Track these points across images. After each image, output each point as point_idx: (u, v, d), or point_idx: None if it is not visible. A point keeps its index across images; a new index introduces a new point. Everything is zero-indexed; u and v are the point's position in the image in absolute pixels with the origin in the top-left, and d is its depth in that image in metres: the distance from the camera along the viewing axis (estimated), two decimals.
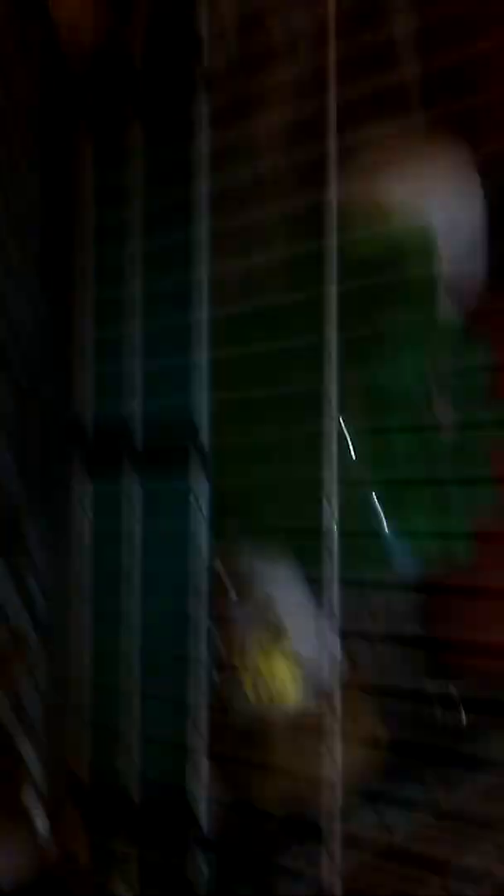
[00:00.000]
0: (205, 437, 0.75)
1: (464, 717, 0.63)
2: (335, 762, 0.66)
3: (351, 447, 0.90)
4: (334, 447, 0.68)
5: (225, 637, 0.82)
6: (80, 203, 0.85)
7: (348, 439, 0.90)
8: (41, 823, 0.84)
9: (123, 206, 0.81)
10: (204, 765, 0.74)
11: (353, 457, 0.90)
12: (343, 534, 0.69)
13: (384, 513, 0.89)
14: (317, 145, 0.70)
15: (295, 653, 0.75)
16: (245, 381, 0.77)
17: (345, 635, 0.68)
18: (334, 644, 0.67)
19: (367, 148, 1.10)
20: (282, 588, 0.82)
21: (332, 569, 0.67)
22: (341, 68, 0.70)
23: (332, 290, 0.67)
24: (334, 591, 0.68)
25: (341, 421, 0.69)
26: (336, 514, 0.67)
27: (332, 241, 0.67)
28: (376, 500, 0.89)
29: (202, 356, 0.75)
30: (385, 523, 0.89)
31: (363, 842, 0.80)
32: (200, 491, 0.76)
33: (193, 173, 0.76)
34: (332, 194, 0.68)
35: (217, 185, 0.77)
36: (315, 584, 0.84)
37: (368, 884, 0.71)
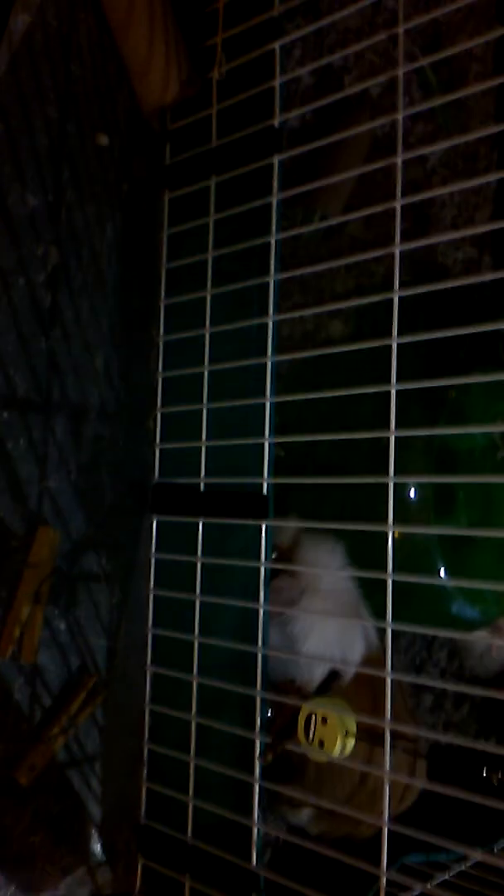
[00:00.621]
0: (266, 479, 0.77)
1: None
2: (385, 805, 0.66)
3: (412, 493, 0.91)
4: (391, 500, 0.68)
5: (282, 680, 0.84)
6: (157, 251, 0.88)
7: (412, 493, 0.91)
8: (99, 854, 0.86)
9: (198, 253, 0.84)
10: (259, 803, 0.75)
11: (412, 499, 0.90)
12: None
13: (445, 566, 0.89)
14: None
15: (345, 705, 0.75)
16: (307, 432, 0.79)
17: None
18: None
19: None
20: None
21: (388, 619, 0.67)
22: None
23: (394, 346, 0.67)
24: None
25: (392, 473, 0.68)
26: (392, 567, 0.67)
27: (395, 296, 0.68)
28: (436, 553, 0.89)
29: (267, 400, 0.77)
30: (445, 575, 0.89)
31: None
32: (263, 538, 0.77)
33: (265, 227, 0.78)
34: (397, 255, 0.69)
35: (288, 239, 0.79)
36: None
37: None
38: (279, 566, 0.82)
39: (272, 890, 0.74)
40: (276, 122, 0.78)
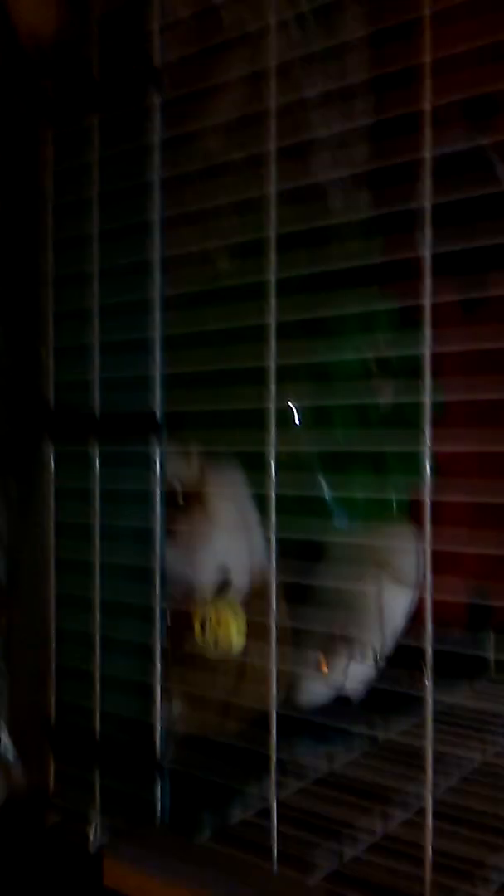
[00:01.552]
0: (158, 406, 0.82)
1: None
2: (273, 696, 0.74)
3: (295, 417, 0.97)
4: (273, 418, 0.74)
5: (178, 585, 0.90)
6: (42, 186, 0.90)
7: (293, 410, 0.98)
8: (11, 755, 0.92)
9: (83, 190, 0.86)
10: (159, 701, 0.82)
11: (296, 424, 0.97)
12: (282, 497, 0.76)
13: (323, 479, 0.96)
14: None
15: (236, 601, 0.82)
16: (196, 356, 0.84)
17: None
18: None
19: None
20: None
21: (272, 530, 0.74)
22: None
23: (273, 270, 0.73)
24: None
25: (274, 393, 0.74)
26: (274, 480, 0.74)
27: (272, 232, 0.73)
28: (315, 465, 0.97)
29: (155, 331, 0.81)
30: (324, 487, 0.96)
31: (305, 770, 0.89)
32: (156, 455, 0.82)
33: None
34: (273, 182, 0.73)
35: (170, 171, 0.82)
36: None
37: (309, 809, 0.80)
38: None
39: (175, 779, 0.82)
40: (156, 61, 0.81)
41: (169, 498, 0.90)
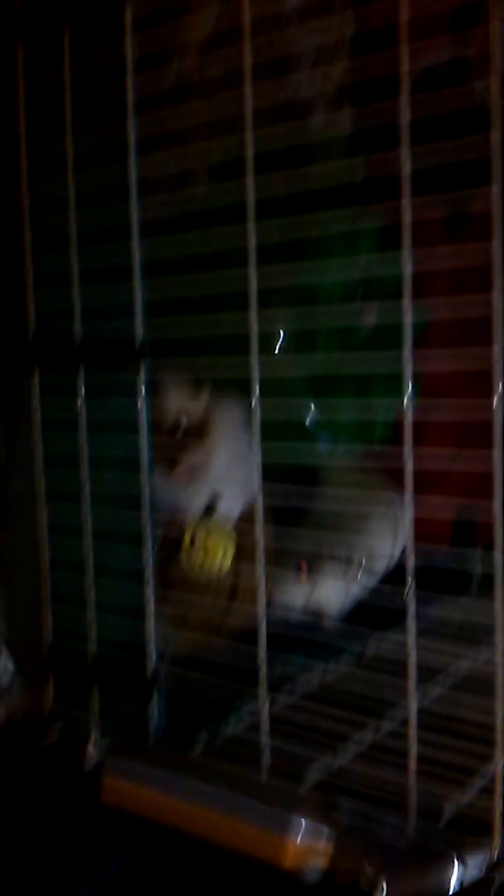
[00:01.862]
0: (140, 331, 0.81)
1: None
2: (262, 610, 0.76)
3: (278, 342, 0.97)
4: (255, 340, 0.74)
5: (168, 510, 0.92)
6: (13, 105, 0.88)
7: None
8: (10, 677, 0.94)
9: (56, 108, 0.84)
10: (152, 622, 0.83)
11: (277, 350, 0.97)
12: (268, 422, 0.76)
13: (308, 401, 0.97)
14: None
15: (226, 523, 0.84)
16: (178, 282, 0.83)
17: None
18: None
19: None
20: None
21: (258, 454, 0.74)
22: None
23: (251, 190, 0.72)
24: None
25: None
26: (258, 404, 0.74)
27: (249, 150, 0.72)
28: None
29: (135, 255, 0.80)
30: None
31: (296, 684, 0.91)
32: (141, 381, 0.82)
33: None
34: (249, 98, 0.72)
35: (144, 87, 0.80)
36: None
37: (299, 722, 0.82)
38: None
39: (169, 697, 0.84)
40: None
41: (171, 428, 0.91)
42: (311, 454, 1.02)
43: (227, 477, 0.91)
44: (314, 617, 1.02)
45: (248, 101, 0.72)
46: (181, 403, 0.92)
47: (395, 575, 1.03)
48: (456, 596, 1.21)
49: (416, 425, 0.68)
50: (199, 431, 0.93)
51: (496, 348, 0.63)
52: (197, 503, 0.90)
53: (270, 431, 0.77)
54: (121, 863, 0.75)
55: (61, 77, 0.83)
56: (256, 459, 0.75)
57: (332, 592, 1.02)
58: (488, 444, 0.65)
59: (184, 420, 0.92)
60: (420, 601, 0.69)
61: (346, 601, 1.05)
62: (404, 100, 0.66)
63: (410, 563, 0.68)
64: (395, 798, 0.71)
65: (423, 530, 0.70)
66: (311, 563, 0.99)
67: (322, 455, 1.04)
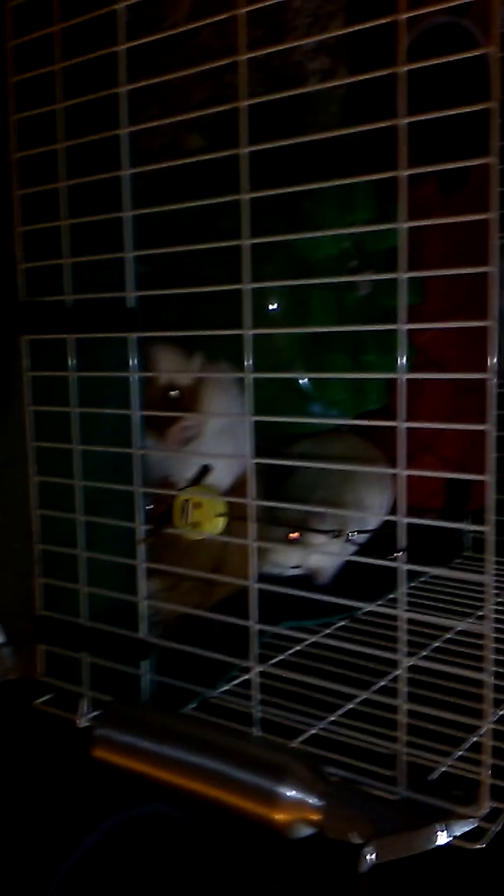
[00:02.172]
0: (132, 296, 0.81)
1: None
2: (254, 575, 0.76)
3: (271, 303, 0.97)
4: (249, 300, 0.73)
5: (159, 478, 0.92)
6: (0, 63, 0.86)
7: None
8: (2, 639, 0.95)
9: (45, 67, 0.83)
10: (144, 585, 0.84)
11: (272, 308, 0.96)
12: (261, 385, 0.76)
13: (301, 367, 0.96)
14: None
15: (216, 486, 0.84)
16: (167, 242, 0.82)
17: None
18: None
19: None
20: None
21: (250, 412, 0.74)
22: None
23: (243, 152, 0.71)
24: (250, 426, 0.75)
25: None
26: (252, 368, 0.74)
27: (242, 104, 0.71)
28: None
29: (125, 215, 0.80)
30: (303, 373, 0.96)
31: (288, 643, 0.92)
32: (132, 346, 0.82)
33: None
34: (242, 54, 0.71)
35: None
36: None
37: (291, 679, 0.83)
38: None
39: (161, 655, 0.85)
40: None
41: (163, 394, 0.90)
42: (304, 420, 1.02)
43: (217, 448, 0.91)
44: (308, 575, 1.03)
45: (242, 58, 0.71)
46: (172, 370, 0.92)
47: (386, 538, 1.04)
48: (446, 561, 1.22)
49: (410, 393, 0.68)
50: (190, 398, 0.92)
51: (490, 309, 0.62)
52: (187, 474, 0.90)
53: (264, 399, 0.77)
54: (114, 822, 0.77)
55: (50, 36, 0.82)
56: (249, 427, 0.75)
57: (323, 556, 1.03)
58: (481, 412, 0.64)
59: (175, 387, 0.92)
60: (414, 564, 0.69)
61: (337, 562, 1.06)
62: (399, 53, 0.64)
63: (402, 526, 0.68)
64: (386, 757, 0.72)
65: (412, 499, 0.70)
66: (303, 526, 0.99)
67: (315, 421, 1.04)
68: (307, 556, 1.01)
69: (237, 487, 0.90)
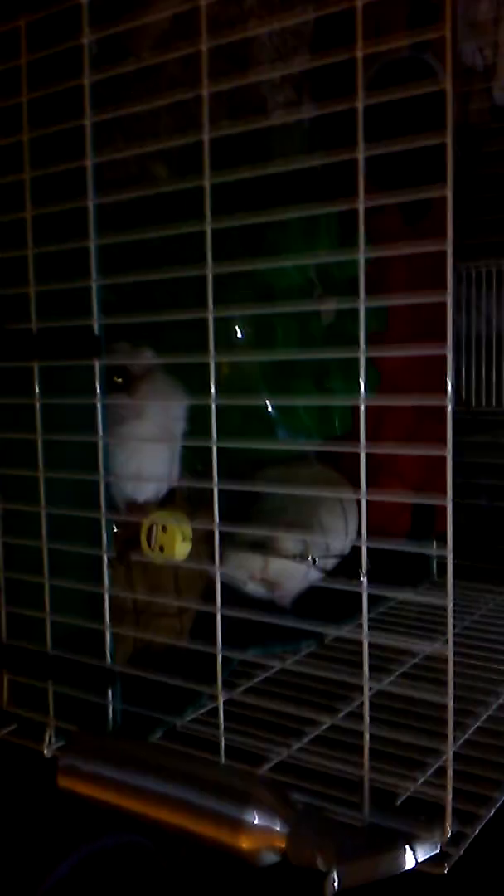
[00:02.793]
0: (96, 319, 0.81)
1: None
2: (218, 600, 0.76)
3: (238, 331, 0.98)
4: (212, 328, 0.74)
5: (125, 501, 0.92)
6: None
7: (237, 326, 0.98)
8: None
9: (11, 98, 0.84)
10: (108, 609, 0.84)
11: (239, 337, 0.97)
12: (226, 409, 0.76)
13: (267, 393, 0.97)
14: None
15: (183, 511, 0.84)
16: (133, 269, 0.83)
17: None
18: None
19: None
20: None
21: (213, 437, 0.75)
22: None
23: (207, 184, 0.72)
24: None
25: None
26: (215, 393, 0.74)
27: (205, 136, 0.72)
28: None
29: (91, 244, 0.80)
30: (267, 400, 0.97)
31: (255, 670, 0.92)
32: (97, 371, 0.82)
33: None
34: (205, 89, 0.72)
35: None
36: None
37: (257, 706, 0.83)
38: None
39: (128, 684, 0.85)
40: None
41: (110, 375, 0.91)
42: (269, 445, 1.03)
43: (153, 455, 0.92)
44: (269, 589, 1.03)
45: (205, 93, 0.72)
46: (125, 357, 0.93)
47: (351, 562, 1.04)
48: (412, 587, 1.23)
49: (373, 418, 0.69)
50: (134, 384, 0.93)
51: (448, 342, 0.64)
52: (151, 490, 0.90)
53: (230, 424, 0.78)
54: (82, 854, 0.76)
55: (17, 68, 0.83)
56: (213, 451, 0.75)
57: (285, 567, 1.02)
58: (442, 435, 0.65)
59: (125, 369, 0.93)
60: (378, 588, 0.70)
61: (300, 583, 1.05)
62: (358, 83, 0.66)
63: (364, 551, 0.69)
64: (351, 782, 0.72)
65: (378, 523, 0.71)
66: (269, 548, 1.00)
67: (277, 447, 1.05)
68: (266, 567, 1.01)
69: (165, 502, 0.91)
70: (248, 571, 1.00)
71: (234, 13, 1.18)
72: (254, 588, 1.03)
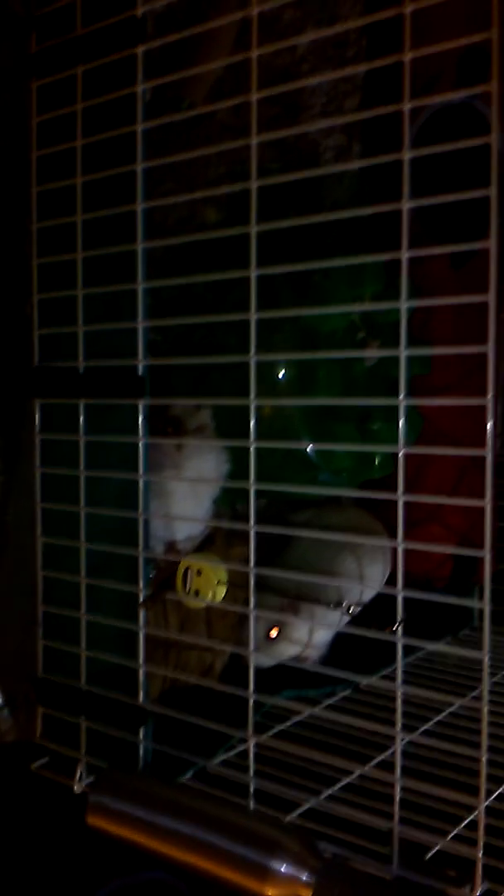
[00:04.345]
0: (141, 360, 0.83)
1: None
2: (252, 639, 0.76)
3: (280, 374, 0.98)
4: (253, 376, 0.75)
5: (163, 541, 0.92)
6: (26, 140, 0.90)
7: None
8: (1, 705, 0.95)
9: (67, 143, 0.87)
10: (143, 648, 0.84)
11: (280, 377, 0.98)
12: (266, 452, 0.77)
13: (307, 437, 0.97)
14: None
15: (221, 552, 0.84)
16: (179, 313, 0.84)
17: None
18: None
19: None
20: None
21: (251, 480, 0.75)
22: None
23: (253, 232, 0.73)
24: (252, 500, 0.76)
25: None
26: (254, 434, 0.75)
27: (253, 184, 0.73)
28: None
29: (139, 287, 0.82)
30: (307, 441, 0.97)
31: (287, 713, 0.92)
32: (140, 412, 0.83)
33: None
34: (254, 138, 0.74)
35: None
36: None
37: (288, 752, 0.82)
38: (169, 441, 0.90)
39: (159, 723, 0.85)
40: (138, 13, 0.80)
41: (164, 424, 0.92)
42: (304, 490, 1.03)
43: (183, 498, 0.92)
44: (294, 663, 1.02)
45: (253, 142, 0.74)
46: (185, 409, 0.94)
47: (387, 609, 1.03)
48: (452, 636, 1.21)
49: (418, 462, 0.68)
50: (182, 441, 0.94)
51: (490, 389, 0.63)
52: (189, 532, 0.91)
53: (269, 465, 0.78)
54: (114, 887, 0.76)
55: (73, 114, 0.85)
56: (251, 494, 0.75)
57: (313, 642, 1.01)
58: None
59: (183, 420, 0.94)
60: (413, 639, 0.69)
61: (327, 641, 1.04)
62: (404, 135, 0.66)
63: (399, 601, 0.68)
64: (380, 833, 0.71)
65: (418, 570, 0.70)
66: (301, 595, 0.99)
67: (316, 491, 1.05)
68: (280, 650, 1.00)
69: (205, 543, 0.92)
70: (298, 645, 0.99)
71: (286, 61, 1.20)
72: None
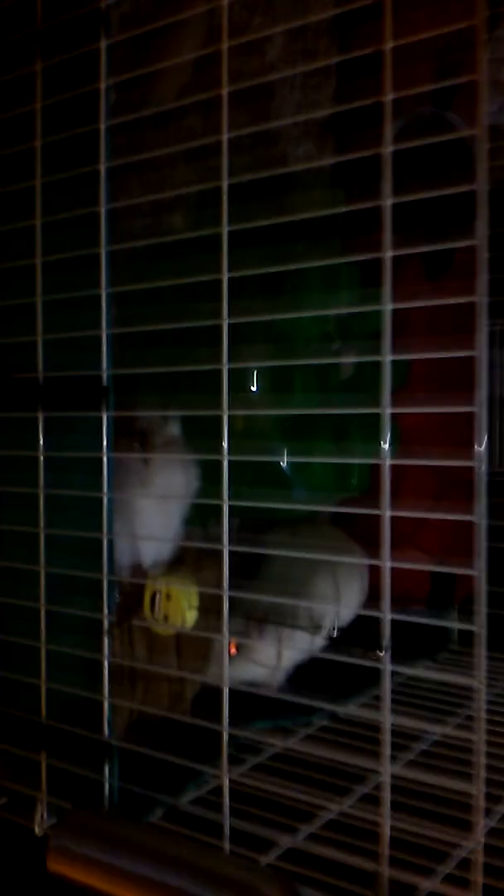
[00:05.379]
0: (105, 368, 0.78)
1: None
2: (225, 674, 0.71)
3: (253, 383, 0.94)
4: (226, 379, 0.71)
5: (129, 563, 0.87)
6: None
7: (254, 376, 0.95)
8: None
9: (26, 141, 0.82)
10: (107, 679, 0.79)
11: (254, 390, 0.94)
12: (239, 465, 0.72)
13: (283, 446, 0.93)
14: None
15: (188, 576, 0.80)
16: (148, 316, 0.80)
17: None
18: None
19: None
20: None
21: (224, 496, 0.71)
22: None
23: (224, 232, 0.69)
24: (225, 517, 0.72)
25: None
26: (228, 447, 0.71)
27: (224, 182, 0.70)
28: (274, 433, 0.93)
29: (102, 291, 0.78)
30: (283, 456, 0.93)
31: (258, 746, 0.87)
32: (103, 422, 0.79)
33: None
34: (225, 133, 0.70)
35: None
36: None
37: (264, 787, 0.77)
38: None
39: (126, 759, 0.79)
40: (102, 5, 0.76)
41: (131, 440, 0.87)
42: (284, 502, 0.98)
43: (151, 513, 0.88)
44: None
45: (224, 138, 0.70)
46: (150, 420, 0.89)
47: (360, 636, 0.99)
48: (431, 657, 1.17)
49: (394, 476, 0.65)
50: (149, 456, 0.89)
51: (478, 394, 0.60)
52: (157, 553, 0.86)
53: (242, 481, 0.74)
54: None
55: (32, 107, 0.81)
56: (225, 510, 0.71)
57: (273, 659, 0.96)
58: (468, 496, 0.61)
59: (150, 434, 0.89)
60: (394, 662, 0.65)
61: (290, 665, 0.99)
62: (386, 132, 0.63)
63: (386, 621, 0.64)
64: (365, 874, 0.66)
65: (396, 590, 0.66)
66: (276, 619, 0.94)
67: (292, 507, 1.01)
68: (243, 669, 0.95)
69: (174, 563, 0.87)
70: (263, 668, 0.94)
71: (255, 66, 1.17)
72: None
